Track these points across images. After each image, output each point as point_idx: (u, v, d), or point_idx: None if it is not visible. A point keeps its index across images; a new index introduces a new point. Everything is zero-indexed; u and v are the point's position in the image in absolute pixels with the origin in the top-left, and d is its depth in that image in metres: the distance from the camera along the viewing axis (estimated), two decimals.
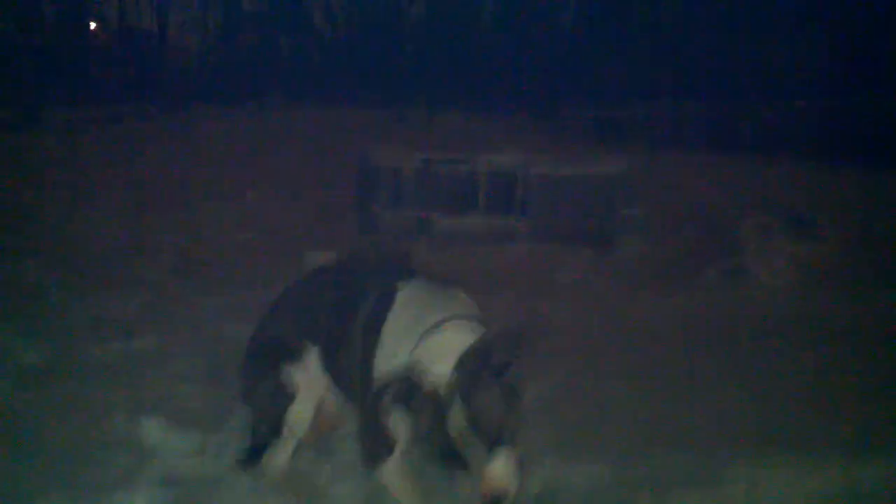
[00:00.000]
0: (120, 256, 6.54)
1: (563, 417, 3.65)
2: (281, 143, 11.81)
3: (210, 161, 10.58)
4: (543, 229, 7.22)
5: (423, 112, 13.04)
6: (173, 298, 5.42)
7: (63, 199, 8.55)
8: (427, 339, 2.61)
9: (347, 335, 2.92)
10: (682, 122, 14.47)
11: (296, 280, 3.37)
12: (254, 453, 3.08)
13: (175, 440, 3.32)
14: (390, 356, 2.71)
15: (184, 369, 4.13)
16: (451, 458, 2.48)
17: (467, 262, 6.43)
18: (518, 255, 6.97)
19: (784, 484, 3.11)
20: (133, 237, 7.23)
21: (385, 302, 2.86)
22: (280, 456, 3.04)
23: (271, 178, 9.92)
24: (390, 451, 2.78)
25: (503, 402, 2.46)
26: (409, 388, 2.50)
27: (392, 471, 2.81)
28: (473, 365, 2.46)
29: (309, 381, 3.05)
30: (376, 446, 2.80)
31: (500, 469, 2.41)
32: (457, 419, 2.44)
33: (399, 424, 2.68)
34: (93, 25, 21.67)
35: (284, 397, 3.02)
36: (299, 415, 3.03)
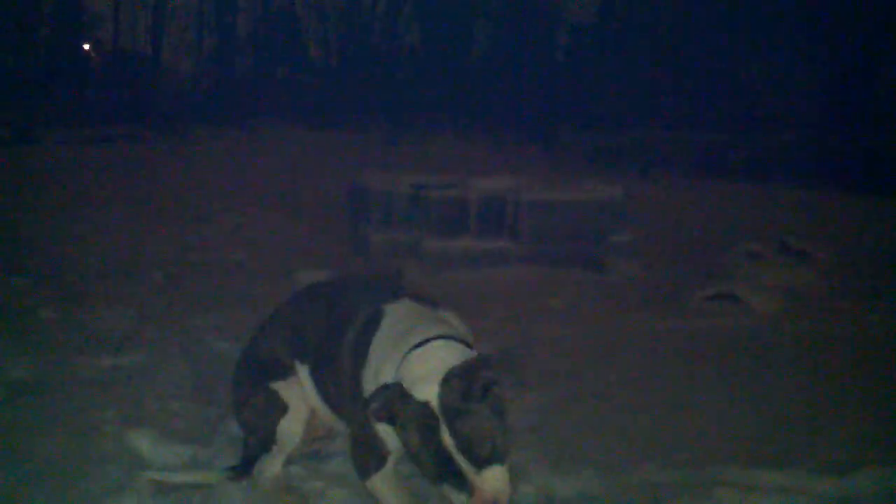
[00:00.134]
0: (112, 273, 6.54)
1: (551, 436, 3.67)
2: (273, 166, 11.86)
3: (202, 182, 10.61)
4: (534, 253, 7.26)
5: (416, 136, 13.13)
6: (164, 316, 5.42)
7: (55, 216, 8.57)
8: (409, 359, 2.64)
9: (336, 353, 2.97)
10: (674, 149, 14.65)
11: (287, 299, 3.41)
12: (245, 465, 3.12)
13: (165, 454, 3.33)
14: (377, 374, 2.74)
15: (173, 385, 4.13)
16: (440, 474, 2.49)
17: (457, 284, 6.47)
18: (508, 277, 7.01)
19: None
20: (125, 255, 7.25)
21: (372, 322, 2.91)
22: (270, 469, 3.07)
23: (264, 200, 9.97)
24: (381, 462, 2.81)
25: (488, 422, 2.47)
26: (394, 405, 2.52)
27: (383, 481, 2.83)
28: (458, 384, 2.48)
29: (299, 396, 3.10)
30: (367, 458, 2.83)
31: (489, 486, 2.43)
32: (444, 437, 2.46)
33: (389, 437, 2.70)
34: (86, 47, 21.77)
35: (275, 412, 3.06)
36: (289, 429, 3.07)
